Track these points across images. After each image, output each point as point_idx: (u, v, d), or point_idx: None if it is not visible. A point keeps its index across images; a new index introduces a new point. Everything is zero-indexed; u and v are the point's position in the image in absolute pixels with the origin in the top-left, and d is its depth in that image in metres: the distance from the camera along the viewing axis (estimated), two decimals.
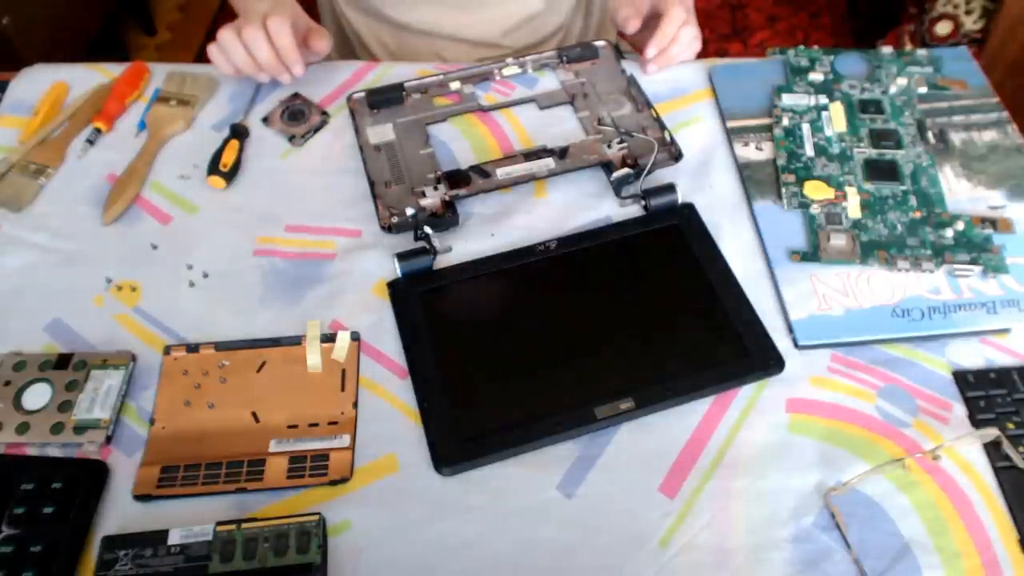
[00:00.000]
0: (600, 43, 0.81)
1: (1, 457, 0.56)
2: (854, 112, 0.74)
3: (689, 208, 0.69)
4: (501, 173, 0.71)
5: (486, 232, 0.68)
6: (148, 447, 0.57)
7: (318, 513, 0.53)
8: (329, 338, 0.62)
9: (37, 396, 0.58)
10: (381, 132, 0.74)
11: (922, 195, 0.69)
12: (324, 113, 0.77)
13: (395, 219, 0.67)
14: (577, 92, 0.78)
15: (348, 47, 0.98)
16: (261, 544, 0.51)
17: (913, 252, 0.65)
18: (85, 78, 0.79)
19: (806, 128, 0.73)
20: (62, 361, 0.60)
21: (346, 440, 0.57)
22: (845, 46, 0.85)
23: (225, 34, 0.72)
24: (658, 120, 0.74)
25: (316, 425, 0.58)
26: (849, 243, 0.66)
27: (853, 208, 0.68)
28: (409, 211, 0.68)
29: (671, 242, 0.67)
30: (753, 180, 0.71)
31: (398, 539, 0.53)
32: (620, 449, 0.57)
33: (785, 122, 0.74)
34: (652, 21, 0.77)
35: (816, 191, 0.68)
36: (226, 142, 0.73)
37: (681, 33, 0.76)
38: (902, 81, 0.76)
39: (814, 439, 0.57)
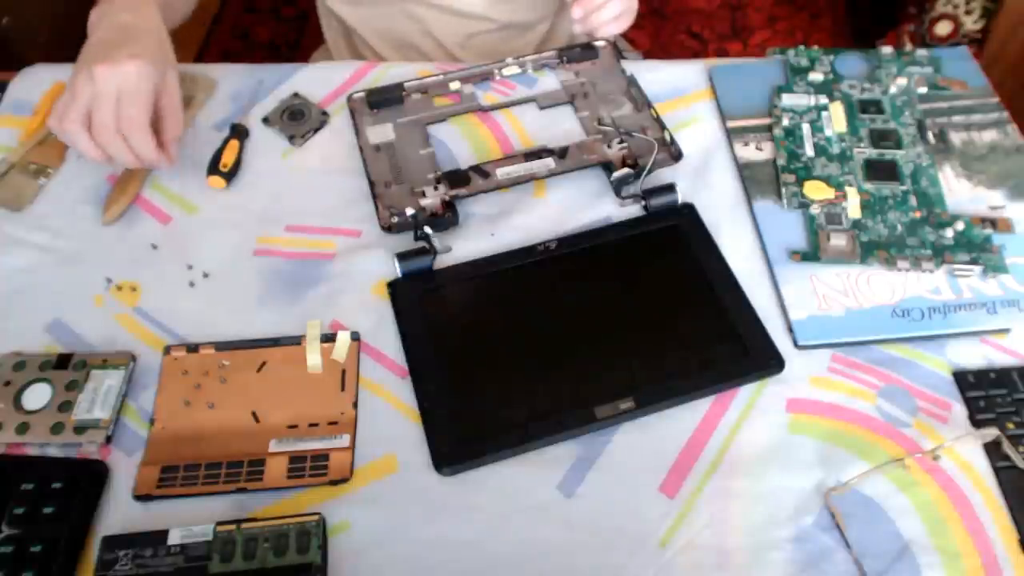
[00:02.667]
0: (600, 43, 0.81)
1: (1, 457, 0.56)
2: (854, 112, 0.74)
3: (689, 208, 0.69)
4: (501, 173, 0.71)
5: (486, 232, 0.68)
6: (148, 447, 0.57)
7: (318, 513, 0.53)
8: (329, 338, 0.62)
9: (37, 396, 0.58)
10: (381, 132, 0.74)
11: (922, 195, 0.69)
12: (324, 113, 0.77)
13: (395, 219, 0.67)
14: (577, 92, 0.78)
15: (348, 41, 0.97)
16: (261, 544, 0.51)
17: (913, 252, 0.65)
18: None
19: (806, 128, 0.73)
20: (62, 361, 0.60)
21: (346, 440, 0.57)
22: (845, 46, 0.85)
23: (70, 126, 0.61)
24: (658, 120, 0.74)
25: (316, 425, 0.58)
26: (849, 243, 0.66)
27: (853, 208, 0.68)
28: (409, 211, 0.68)
29: (671, 242, 0.67)
30: (753, 180, 0.71)
31: (398, 539, 0.53)
32: (620, 449, 0.57)
33: (785, 122, 0.74)
34: None
35: (816, 191, 0.68)
36: (226, 142, 0.72)
37: (609, 4, 0.74)
38: (902, 81, 0.76)
39: (814, 439, 0.57)
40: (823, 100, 0.75)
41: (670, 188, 0.68)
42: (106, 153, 0.63)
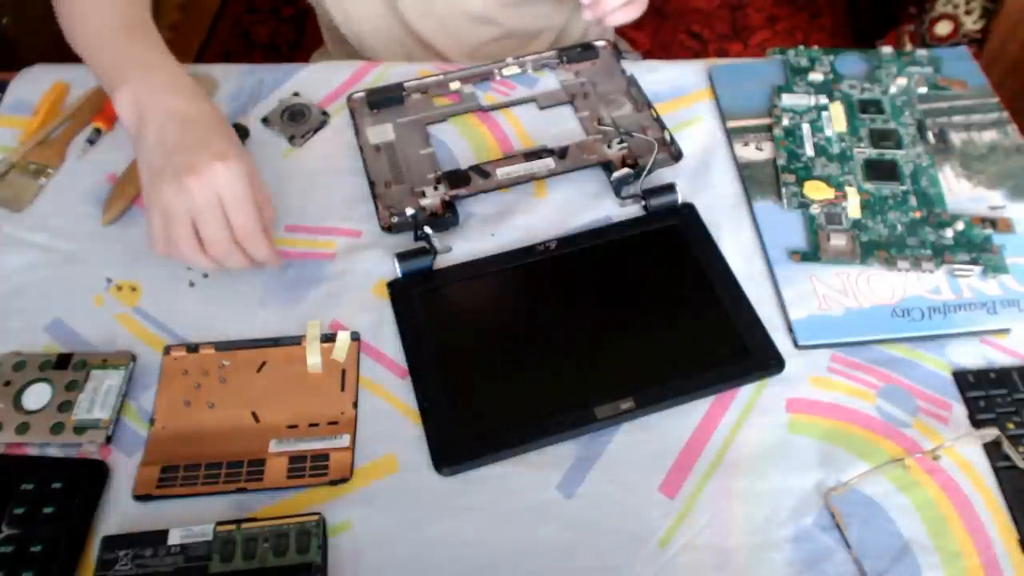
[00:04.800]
0: (600, 43, 0.81)
1: (1, 457, 0.56)
2: (854, 112, 0.74)
3: (689, 208, 0.69)
4: (501, 173, 0.71)
5: (486, 232, 0.68)
6: (148, 447, 0.57)
7: (318, 513, 0.53)
8: (329, 338, 0.62)
9: (37, 396, 0.58)
10: (381, 132, 0.74)
11: (922, 195, 0.69)
12: (324, 113, 0.77)
13: (395, 219, 0.67)
14: (577, 92, 0.78)
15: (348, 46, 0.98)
16: (261, 544, 0.51)
17: (913, 252, 0.65)
18: (85, 78, 0.78)
19: (806, 128, 0.73)
20: (62, 361, 0.60)
21: (346, 440, 0.57)
22: (845, 46, 0.85)
23: (185, 251, 0.58)
24: (658, 120, 0.74)
25: (316, 425, 0.58)
26: (849, 243, 0.66)
27: (853, 208, 0.68)
28: (409, 211, 0.68)
29: (671, 242, 0.67)
30: (753, 180, 0.71)
31: (398, 539, 0.53)
32: (620, 449, 0.57)
33: (785, 122, 0.74)
34: None
35: (816, 191, 0.68)
36: None
37: None
38: (902, 81, 0.76)
39: (814, 439, 0.57)
40: (823, 100, 0.75)
41: (670, 188, 0.68)
42: (222, 265, 0.59)
